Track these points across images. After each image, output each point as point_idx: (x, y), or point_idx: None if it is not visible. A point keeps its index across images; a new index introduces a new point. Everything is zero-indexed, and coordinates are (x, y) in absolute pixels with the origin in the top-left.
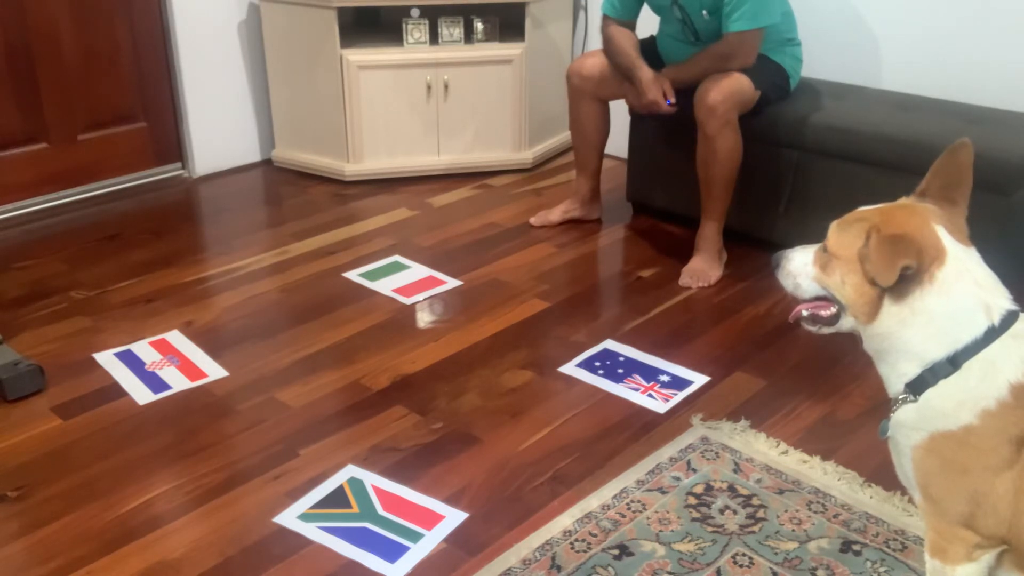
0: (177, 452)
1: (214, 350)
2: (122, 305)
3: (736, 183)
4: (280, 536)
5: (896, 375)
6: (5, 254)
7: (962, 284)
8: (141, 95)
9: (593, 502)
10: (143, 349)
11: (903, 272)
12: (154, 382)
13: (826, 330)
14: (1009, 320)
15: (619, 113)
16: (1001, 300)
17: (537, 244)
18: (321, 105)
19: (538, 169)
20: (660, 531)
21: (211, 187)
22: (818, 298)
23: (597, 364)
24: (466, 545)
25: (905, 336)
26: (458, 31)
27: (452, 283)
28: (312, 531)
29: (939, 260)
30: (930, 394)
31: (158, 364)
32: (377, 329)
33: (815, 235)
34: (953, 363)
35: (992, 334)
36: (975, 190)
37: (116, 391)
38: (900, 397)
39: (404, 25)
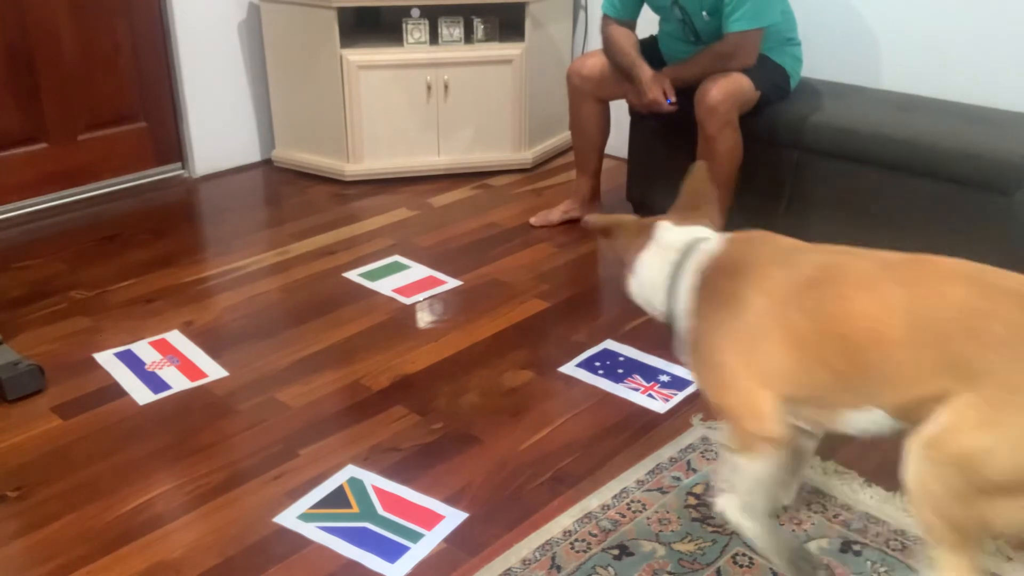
0: (177, 452)
1: (214, 350)
2: (122, 305)
3: (736, 183)
4: (280, 536)
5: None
6: (5, 254)
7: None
8: (141, 95)
9: (593, 502)
10: (143, 349)
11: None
12: (154, 382)
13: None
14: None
15: (619, 113)
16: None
17: (537, 244)
18: (321, 105)
19: (538, 169)
20: (660, 531)
21: (211, 187)
22: None
23: (597, 364)
24: (466, 545)
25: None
26: (458, 31)
27: (452, 283)
28: (312, 531)
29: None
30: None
31: (158, 364)
32: (377, 329)
33: (815, 235)
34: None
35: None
36: (975, 190)
37: (116, 391)
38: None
39: (404, 25)
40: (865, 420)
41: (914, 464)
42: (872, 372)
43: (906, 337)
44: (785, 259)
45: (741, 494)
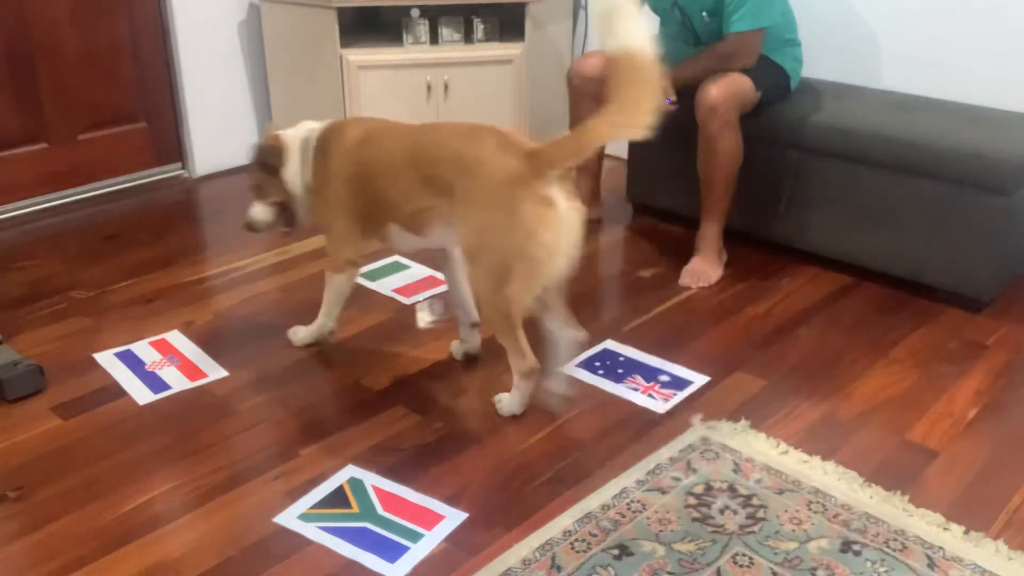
0: (177, 452)
1: (214, 350)
2: (122, 305)
3: (736, 183)
4: (280, 536)
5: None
6: (5, 254)
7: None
8: (141, 95)
9: (593, 502)
10: (143, 349)
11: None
12: (154, 382)
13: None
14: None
15: None
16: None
17: None
18: (321, 105)
19: None
20: (660, 531)
21: (211, 187)
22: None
23: (597, 364)
24: (466, 545)
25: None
26: (458, 31)
27: None
28: (312, 531)
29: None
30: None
31: (158, 364)
32: (377, 329)
33: (815, 235)
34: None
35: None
36: (975, 190)
37: (116, 391)
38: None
39: (404, 25)
40: (395, 235)
41: (466, 271)
42: (388, 196)
43: (405, 170)
44: (354, 126)
45: (326, 311)
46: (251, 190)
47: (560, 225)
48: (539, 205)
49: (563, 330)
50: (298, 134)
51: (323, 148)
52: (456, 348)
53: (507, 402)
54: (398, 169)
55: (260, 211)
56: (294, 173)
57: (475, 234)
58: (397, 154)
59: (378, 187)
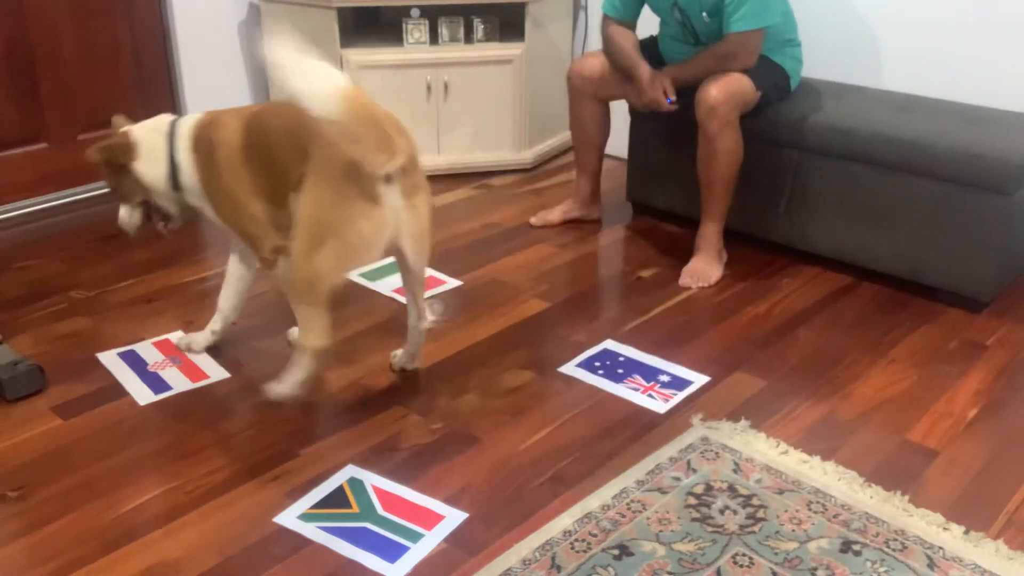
0: (177, 452)
1: (215, 351)
2: (122, 305)
3: (736, 183)
4: (280, 536)
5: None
6: (5, 254)
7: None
8: (141, 95)
9: (593, 502)
10: (146, 349)
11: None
12: (155, 382)
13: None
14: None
15: (619, 113)
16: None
17: (537, 244)
18: None
19: (538, 169)
20: (660, 531)
21: None
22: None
23: (597, 364)
24: (466, 545)
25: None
26: (458, 31)
27: (452, 283)
28: (312, 531)
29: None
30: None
31: (160, 364)
32: (377, 329)
33: (815, 235)
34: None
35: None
36: (975, 190)
37: (116, 391)
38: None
39: (404, 25)
40: (293, 202)
41: (293, 234)
42: (284, 166)
43: (287, 141)
44: (230, 114)
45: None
46: (112, 193)
47: (383, 220)
48: (363, 200)
49: (417, 321)
50: (157, 126)
51: (205, 143)
52: (199, 339)
53: (280, 384)
54: (283, 141)
55: (125, 213)
56: (150, 168)
57: (307, 203)
58: (281, 129)
59: (275, 162)
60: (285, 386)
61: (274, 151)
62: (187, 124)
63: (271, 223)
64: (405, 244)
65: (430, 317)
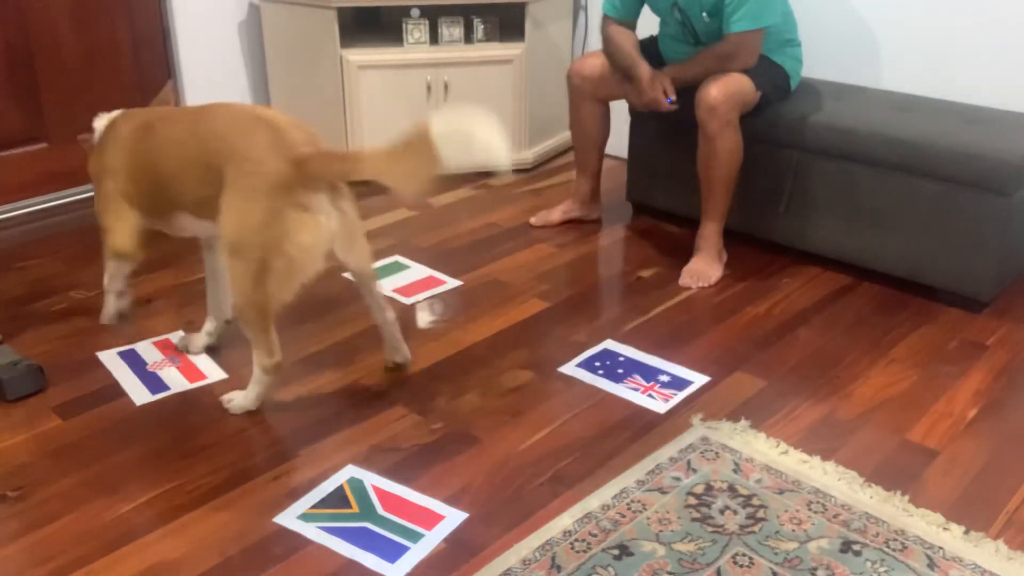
0: (177, 452)
1: (214, 351)
2: None
3: (736, 183)
4: (280, 536)
5: None
6: (5, 254)
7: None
8: (141, 95)
9: (593, 502)
10: (147, 349)
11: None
12: (154, 382)
13: None
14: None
15: (619, 113)
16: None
17: (537, 244)
18: (321, 105)
19: (538, 169)
20: (660, 531)
21: None
22: None
23: (597, 364)
24: (466, 545)
25: None
26: (458, 31)
27: (452, 283)
28: (312, 531)
29: None
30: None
31: (159, 364)
32: (376, 329)
33: (815, 235)
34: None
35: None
36: (975, 190)
37: (117, 391)
38: None
39: (404, 25)
40: (186, 222)
41: (226, 263)
42: (174, 184)
43: (187, 159)
44: (128, 119)
45: (110, 280)
46: None
47: (318, 227)
48: (296, 210)
49: (382, 314)
50: (110, 115)
51: (110, 131)
52: (196, 341)
53: (240, 399)
54: (180, 158)
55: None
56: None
57: (237, 228)
58: (178, 143)
59: (161, 175)
60: (246, 400)
61: (164, 161)
62: (114, 114)
63: (132, 228)
64: (344, 247)
65: (391, 313)
